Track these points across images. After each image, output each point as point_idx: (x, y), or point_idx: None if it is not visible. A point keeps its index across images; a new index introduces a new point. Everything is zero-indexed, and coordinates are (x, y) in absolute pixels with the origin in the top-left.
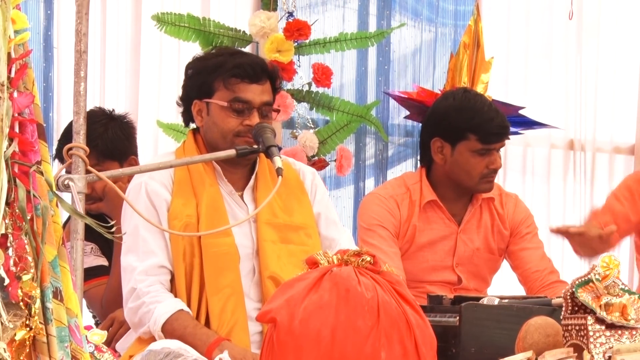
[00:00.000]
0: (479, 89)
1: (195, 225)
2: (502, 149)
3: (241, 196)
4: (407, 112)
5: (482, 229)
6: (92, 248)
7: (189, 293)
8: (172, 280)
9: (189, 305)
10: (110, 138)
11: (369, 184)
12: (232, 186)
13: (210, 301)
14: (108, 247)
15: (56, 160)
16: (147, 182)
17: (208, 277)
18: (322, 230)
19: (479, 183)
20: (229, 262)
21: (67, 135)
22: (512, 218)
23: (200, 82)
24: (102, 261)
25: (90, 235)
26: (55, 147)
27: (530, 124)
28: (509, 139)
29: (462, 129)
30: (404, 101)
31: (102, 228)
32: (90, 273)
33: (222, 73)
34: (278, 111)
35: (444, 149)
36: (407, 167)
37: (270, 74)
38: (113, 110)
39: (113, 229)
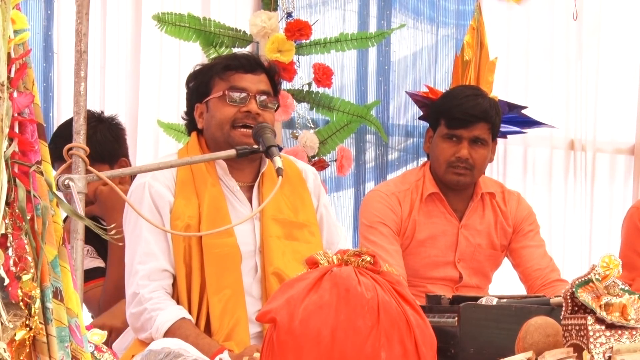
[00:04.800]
0: (484, 89)
1: (197, 226)
2: (502, 149)
3: (250, 188)
4: (406, 114)
5: (485, 225)
6: (88, 250)
7: (189, 293)
8: (174, 283)
9: (189, 305)
10: (98, 141)
11: (369, 186)
12: (239, 182)
13: (210, 301)
14: (104, 248)
15: None
16: (150, 183)
17: (209, 277)
18: (324, 234)
19: (446, 172)
20: (231, 262)
21: (57, 138)
22: (515, 215)
23: (197, 85)
24: (99, 263)
25: (86, 237)
26: None
27: (529, 123)
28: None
29: (437, 115)
30: (419, 101)
31: (100, 230)
32: (87, 275)
33: (217, 69)
34: (278, 106)
35: (431, 139)
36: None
37: (266, 69)
38: (102, 112)
39: (113, 232)
